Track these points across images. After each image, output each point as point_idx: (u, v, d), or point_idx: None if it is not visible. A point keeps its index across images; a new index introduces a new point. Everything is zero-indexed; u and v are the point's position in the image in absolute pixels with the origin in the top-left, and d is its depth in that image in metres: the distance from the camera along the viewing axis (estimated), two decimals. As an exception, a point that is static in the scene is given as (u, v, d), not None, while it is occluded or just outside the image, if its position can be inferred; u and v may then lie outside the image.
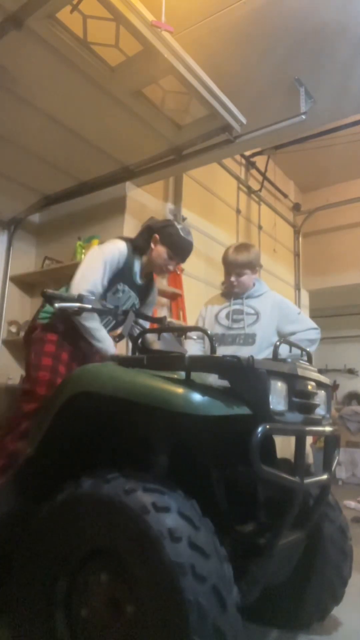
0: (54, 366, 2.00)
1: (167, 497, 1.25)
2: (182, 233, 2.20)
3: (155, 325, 2.30)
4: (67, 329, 2.08)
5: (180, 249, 2.22)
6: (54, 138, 3.16)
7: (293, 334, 2.45)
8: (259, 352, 2.36)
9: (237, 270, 2.53)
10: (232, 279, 2.55)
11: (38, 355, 2.04)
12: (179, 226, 2.23)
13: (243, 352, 2.35)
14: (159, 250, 2.21)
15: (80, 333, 2.08)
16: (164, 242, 2.20)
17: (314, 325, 2.52)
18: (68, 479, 1.42)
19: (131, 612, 1.25)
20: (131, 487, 1.27)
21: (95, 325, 2.00)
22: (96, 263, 2.07)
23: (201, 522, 1.25)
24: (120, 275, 2.15)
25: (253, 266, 2.57)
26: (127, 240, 2.25)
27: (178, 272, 4.17)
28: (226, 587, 1.19)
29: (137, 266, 2.25)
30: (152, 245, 2.23)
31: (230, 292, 2.60)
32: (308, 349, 2.14)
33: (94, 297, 1.83)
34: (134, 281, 2.25)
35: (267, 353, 2.35)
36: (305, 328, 2.48)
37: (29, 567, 1.41)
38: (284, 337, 2.44)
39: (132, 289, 2.24)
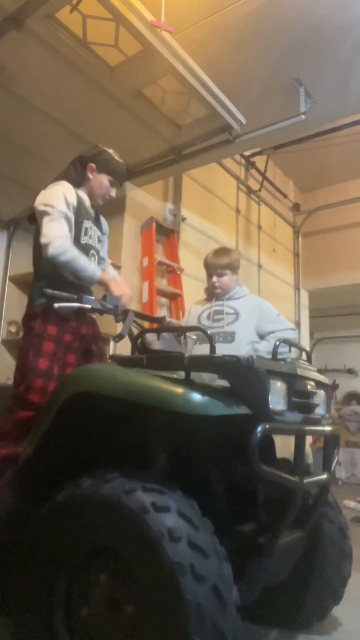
0: (49, 370, 1.92)
1: (167, 497, 1.25)
2: (116, 157, 2.19)
3: (155, 325, 2.30)
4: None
5: (119, 173, 2.21)
6: (54, 138, 3.16)
7: (272, 332, 2.55)
8: (238, 349, 2.42)
9: (218, 271, 2.64)
10: (214, 279, 2.65)
11: (36, 354, 1.93)
12: (110, 150, 2.20)
13: (222, 349, 2.39)
14: (100, 180, 2.17)
15: (81, 314, 2.01)
16: (103, 170, 2.16)
17: (292, 325, 2.65)
18: (68, 479, 1.42)
19: (131, 612, 1.25)
20: (131, 487, 1.27)
21: (73, 254, 1.92)
22: (55, 192, 2.03)
23: (201, 522, 1.25)
24: (80, 210, 2.10)
25: (233, 268, 2.68)
26: (64, 177, 2.17)
27: (178, 272, 4.17)
28: (226, 587, 1.19)
29: (85, 199, 2.19)
30: (90, 176, 2.17)
31: (213, 293, 2.70)
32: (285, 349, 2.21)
33: (92, 297, 1.82)
34: (91, 215, 2.21)
35: (246, 351, 2.42)
36: (284, 328, 2.58)
37: (29, 567, 1.41)
38: (264, 337, 2.55)
39: (93, 224, 2.21)
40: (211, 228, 4.83)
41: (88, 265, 1.98)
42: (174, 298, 4.18)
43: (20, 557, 1.43)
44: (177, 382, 1.35)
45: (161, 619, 1.16)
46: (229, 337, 2.50)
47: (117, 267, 3.80)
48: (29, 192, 3.92)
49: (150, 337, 1.78)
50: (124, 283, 2.09)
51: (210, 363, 1.42)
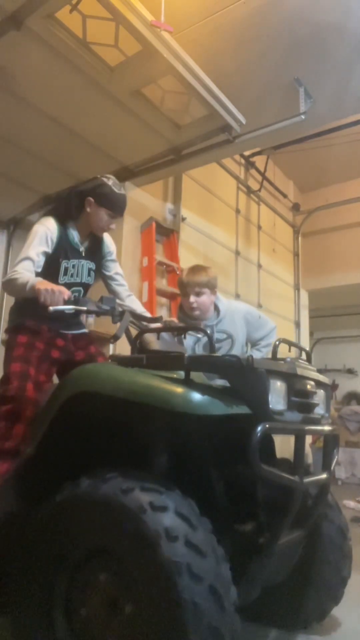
0: (23, 370, 1.96)
1: (165, 497, 1.25)
2: (115, 190, 2.12)
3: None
4: (35, 324, 2.05)
5: (118, 206, 2.15)
6: (54, 138, 3.16)
7: (261, 339, 2.55)
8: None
9: (195, 289, 2.44)
10: (192, 299, 2.44)
11: (8, 361, 2.00)
12: (109, 182, 2.13)
13: None
14: (98, 213, 2.12)
15: (54, 326, 2.10)
16: (102, 204, 2.11)
17: (273, 324, 2.63)
18: (68, 479, 1.42)
19: (129, 612, 1.25)
20: (129, 486, 1.27)
21: (14, 280, 1.91)
22: (30, 239, 2.05)
23: (199, 521, 1.25)
24: (60, 251, 2.09)
25: (212, 286, 2.48)
26: (53, 212, 2.16)
27: (177, 272, 4.17)
28: (223, 586, 1.18)
29: (73, 234, 2.16)
30: (88, 209, 2.13)
31: (190, 315, 2.49)
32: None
33: (88, 299, 1.85)
34: (78, 250, 2.18)
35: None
36: (269, 330, 2.58)
37: (28, 567, 1.41)
38: (253, 343, 2.57)
39: (81, 258, 2.18)
40: (211, 228, 4.83)
41: (23, 276, 1.93)
42: (174, 298, 4.18)
43: (20, 557, 1.43)
44: (177, 381, 1.35)
45: (159, 619, 1.16)
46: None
47: (117, 267, 3.81)
48: (28, 192, 3.94)
49: (149, 337, 1.78)
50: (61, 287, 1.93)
51: (210, 363, 1.42)
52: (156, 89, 2.69)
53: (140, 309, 2.35)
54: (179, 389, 1.31)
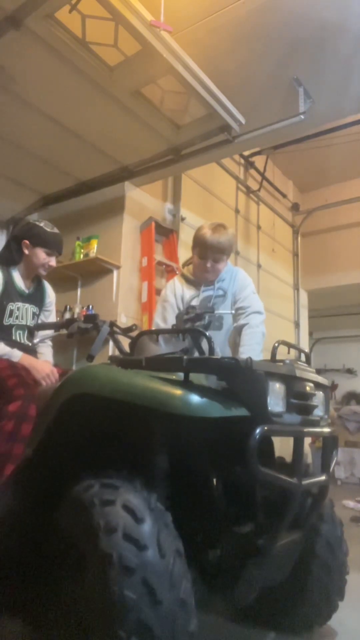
0: (10, 364, 2.04)
1: (117, 492, 1.26)
2: (48, 229, 2.30)
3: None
4: None
5: (53, 243, 2.31)
6: (53, 138, 3.16)
7: (239, 309, 2.39)
8: (226, 336, 2.41)
9: (217, 255, 2.33)
10: (209, 265, 2.35)
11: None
12: (41, 224, 2.31)
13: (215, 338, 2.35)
14: (36, 253, 2.29)
15: None
16: (37, 243, 2.28)
17: (260, 309, 2.44)
18: (67, 480, 1.42)
19: (78, 597, 1.27)
20: (90, 484, 1.31)
21: None
22: None
23: (151, 515, 1.22)
24: (6, 295, 2.24)
25: (230, 252, 2.40)
26: None
27: (177, 272, 4.17)
28: (161, 581, 1.12)
29: (17, 279, 2.32)
30: (26, 252, 2.29)
31: (202, 277, 2.40)
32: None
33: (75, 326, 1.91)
34: (22, 294, 2.33)
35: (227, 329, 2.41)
36: (251, 312, 2.39)
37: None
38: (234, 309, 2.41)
39: (25, 301, 2.33)
40: (210, 228, 4.82)
41: (4, 350, 2.09)
42: (173, 298, 4.17)
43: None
44: (175, 383, 1.35)
45: (94, 609, 1.16)
46: (217, 323, 2.38)
47: (117, 266, 3.81)
48: (28, 192, 3.94)
49: (145, 345, 1.77)
50: (46, 363, 2.19)
51: (209, 365, 1.42)
52: (156, 89, 2.69)
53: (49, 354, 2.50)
54: (178, 391, 1.30)
